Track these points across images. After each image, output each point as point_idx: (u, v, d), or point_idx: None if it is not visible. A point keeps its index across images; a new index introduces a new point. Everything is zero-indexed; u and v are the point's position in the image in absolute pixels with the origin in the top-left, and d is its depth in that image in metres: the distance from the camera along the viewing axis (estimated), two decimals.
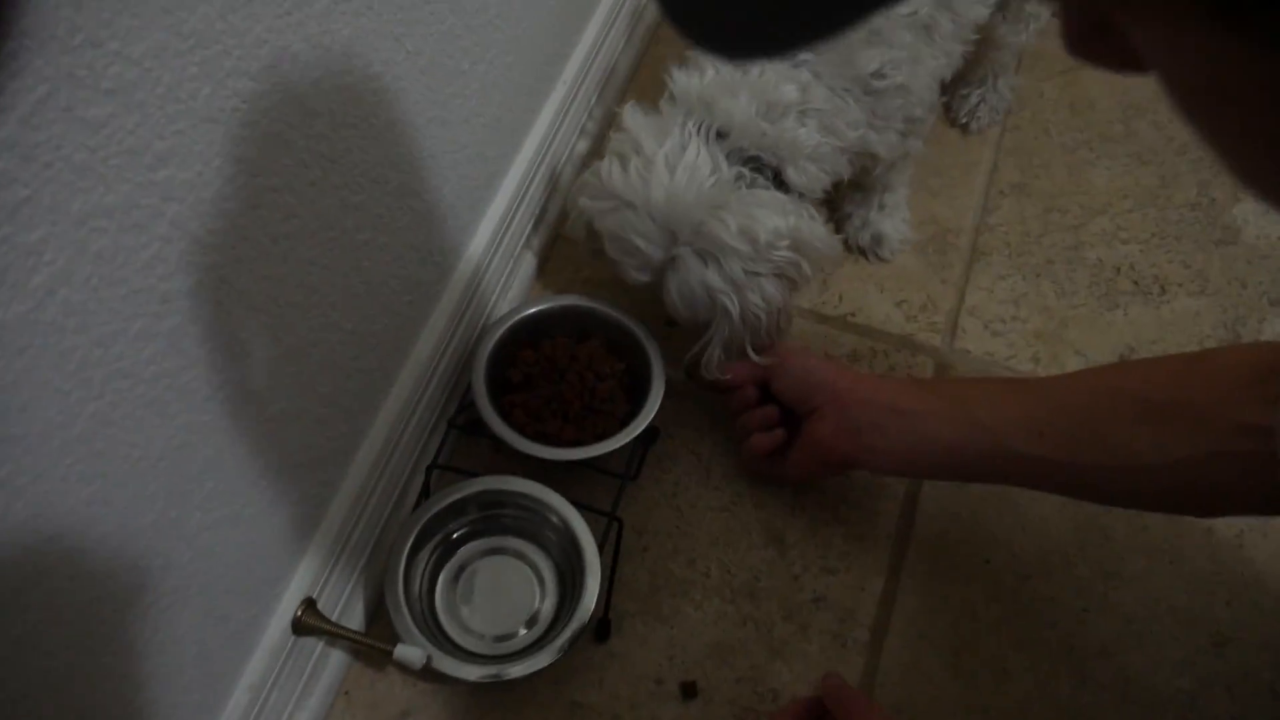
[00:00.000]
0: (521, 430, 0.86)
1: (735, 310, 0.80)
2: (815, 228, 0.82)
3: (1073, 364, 0.98)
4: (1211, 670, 0.84)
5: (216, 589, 0.65)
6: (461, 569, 0.84)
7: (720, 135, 0.80)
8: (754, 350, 0.84)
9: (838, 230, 1.03)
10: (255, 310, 0.60)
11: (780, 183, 0.83)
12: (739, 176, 0.79)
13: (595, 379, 0.90)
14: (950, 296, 1.02)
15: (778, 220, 0.79)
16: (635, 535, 0.88)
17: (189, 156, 0.51)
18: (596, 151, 1.09)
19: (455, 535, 0.84)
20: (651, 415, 0.86)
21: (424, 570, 0.82)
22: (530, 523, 0.84)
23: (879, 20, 0.79)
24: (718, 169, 0.78)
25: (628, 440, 0.85)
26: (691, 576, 0.87)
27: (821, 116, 0.81)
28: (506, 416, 0.87)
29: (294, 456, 0.70)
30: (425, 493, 0.85)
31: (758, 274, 0.79)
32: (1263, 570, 0.87)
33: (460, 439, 0.91)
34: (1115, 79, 1.16)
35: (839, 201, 1.03)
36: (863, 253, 1.03)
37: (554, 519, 0.82)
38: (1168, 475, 0.64)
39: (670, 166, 0.78)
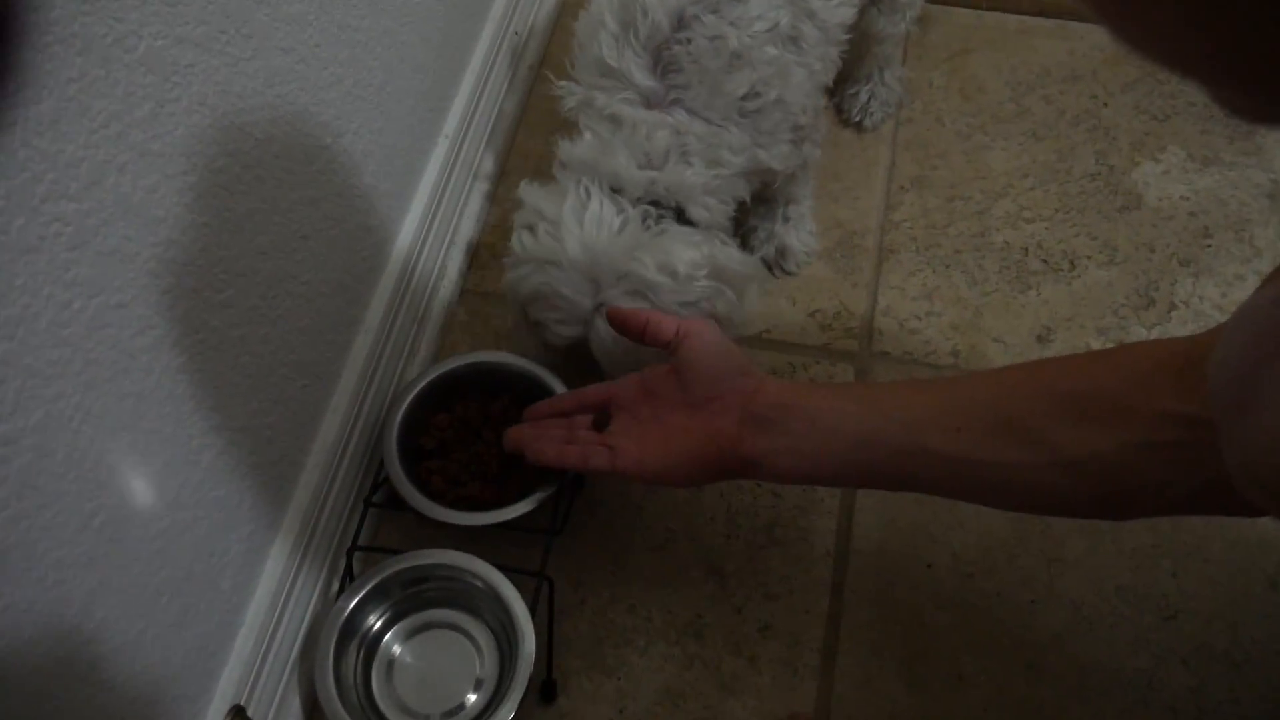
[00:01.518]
0: (441, 498, 0.84)
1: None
2: (729, 252, 0.82)
3: (992, 351, 0.97)
4: (1165, 645, 0.83)
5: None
6: (394, 651, 0.81)
7: (615, 190, 0.80)
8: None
9: (743, 245, 1.02)
10: (127, 430, 0.58)
11: (685, 220, 0.83)
12: (646, 217, 0.79)
13: None
14: (863, 300, 1.01)
15: (691, 252, 0.79)
16: (571, 589, 0.87)
17: (9, 291, 0.48)
18: (501, 217, 1.08)
19: (384, 618, 0.82)
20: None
21: (356, 659, 0.80)
22: (458, 592, 0.82)
23: (736, 42, 0.77)
24: (624, 214, 0.79)
25: (547, 495, 0.83)
26: (633, 623, 0.85)
27: (704, 151, 0.81)
28: (424, 485, 0.85)
29: (197, 566, 0.67)
30: (349, 577, 0.83)
31: (689, 305, 0.79)
32: (1203, 536, 0.87)
33: (382, 516, 0.89)
34: (1000, 58, 1.16)
35: (742, 217, 1.02)
36: (769, 267, 1.01)
37: (480, 585, 0.80)
38: (1091, 471, 0.61)
39: (579, 220, 0.78)
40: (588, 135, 0.82)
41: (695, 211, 0.82)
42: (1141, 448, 0.58)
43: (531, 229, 0.80)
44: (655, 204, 0.81)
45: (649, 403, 0.77)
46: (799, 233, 1.01)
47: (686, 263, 0.78)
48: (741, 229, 1.03)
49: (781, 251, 1.01)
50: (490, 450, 0.87)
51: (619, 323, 0.77)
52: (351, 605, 0.79)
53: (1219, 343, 0.45)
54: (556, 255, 0.78)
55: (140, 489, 0.60)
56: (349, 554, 0.83)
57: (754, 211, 1.01)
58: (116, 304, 0.56)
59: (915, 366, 0.97)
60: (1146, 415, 0.58)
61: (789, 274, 1.01)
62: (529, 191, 0.83)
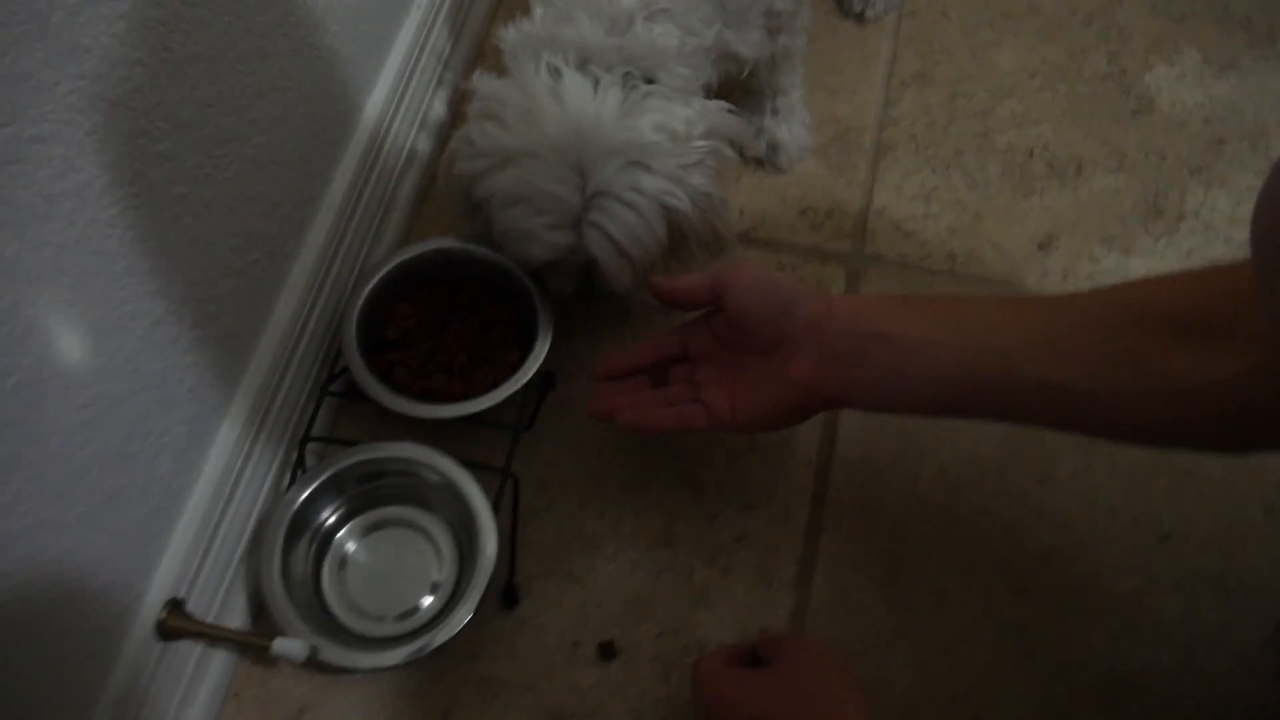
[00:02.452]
0: (405, 390, 0.79)
1: (686, 205, 0.72)
2: (719, 110, 0.76)
3: (991, 258, 0.92)
4: (1157, 568, 0.79)
5: (56, 605, 0.57)
6: (348, 549, 0.77)
7: (584, 61, 0.72)
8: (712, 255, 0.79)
9: None
10: (45, 283, 0.52)
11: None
12: (627, 81, 0.72)
13: (480, 325, 0.83)
14: (857, 199, 0.95)
15: (684, 110, 0.73)
16: (538, 490, 0.82)
17: None
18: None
19: (337, 513, 0.77)
20: (541, 359, 0.79)
21: (306, 555, 0.75)
22: (416, 488, 0.77)
23: None
24: (600, 85, 0.71)
25: (516, 388, 0.77)
26: (602, 529, 0.81)
27: (673, 13, 0.74)
28: (386, 377, 0.79)
29: (131, 445, 0.62)
30: (301, 469, 0.77)
31: (690, 168, 0.73)
32: (1200, 457, 0.83)
33: (339, 407, 0.84)
34: None
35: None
36: (759, 163, 0.95)
37: (437, 479, 0.75)
38: (1208, 399, 0.55)
39: (556, 98, 0.70)
40: (539, 10, 0.74)
41: (669, 79, 0.74)
42: (1260, 373, 0.53)
43: (496, 119, 0.72)
44: (628, 77, 0.73)
45: (727, 348, 0.72)
46: (790, 126, 0.95)
47: (682, 120, 0.71)
48: None
49: (773, 146, 0.95)
50: (457, 341, 0.82)
51: (663, 292, 0.73)
52: (302, 498, 0.74)
53: (1263, 187, 0.40)
54: (533, 145, 0.70)
55: (63, 351, 0.54)
56: (302, 444, 0.77)
57: (740, 104, 0.94)
58: (32, 138, 0.49)
59: (909, 271, 0.91)
60: (1258, 338, 0.53)
61: (780, 170, 0.95)
62: (484, 81, 0.75)
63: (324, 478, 0.74)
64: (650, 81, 0.74)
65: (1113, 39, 1.04)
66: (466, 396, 0.78)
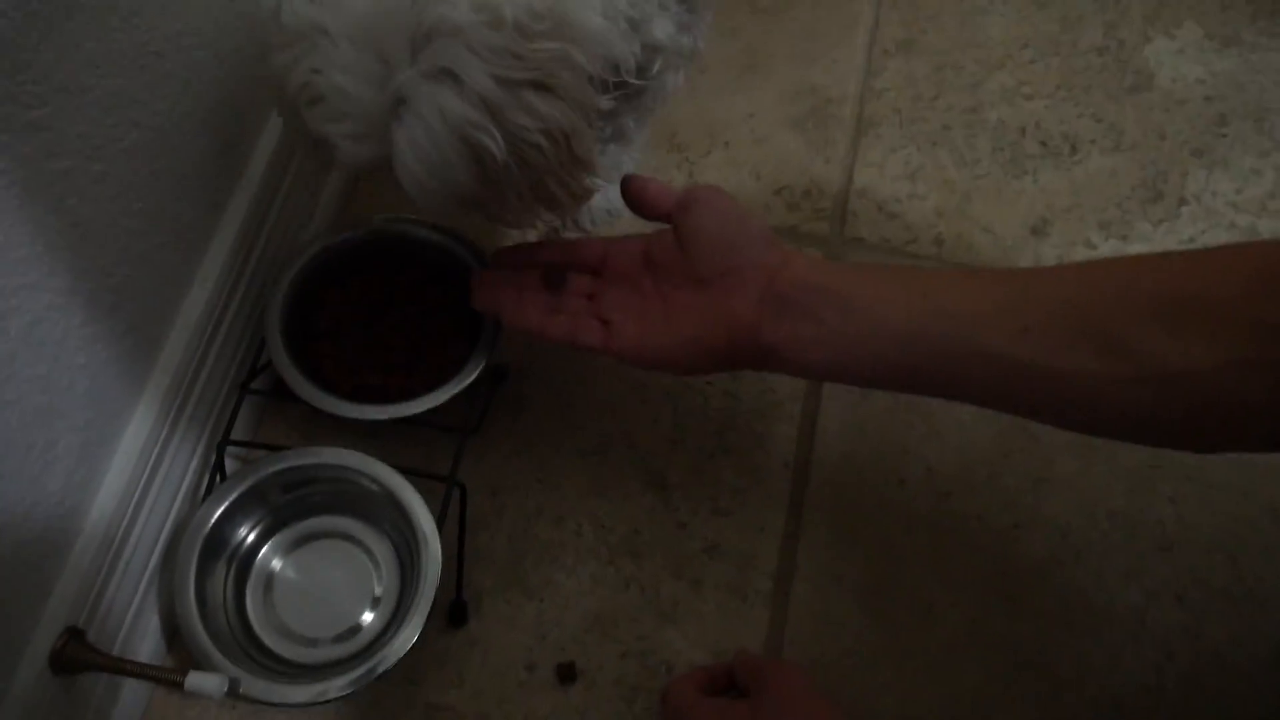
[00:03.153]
0: (335, 388, 0.70)
1: (499, 150, 0.53)
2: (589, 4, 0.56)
3: (981, 242, 0.85)
4: (1159, 578, 0.73)
5: None
6: (273, 566, 0.69)
7: None
8: (558, 217, 0.64)
9: None
10: None
11: None
12: None
13: (421, 315, 0.75)
14: (837, 178, 0.88)
15: None
16: (489, 496, 0.74)
17: None
18: None
19: (259, 526, 0.68)
20: (489, 352, 0.71)
21: (226, 575, 0.67)
22: (349, 498, 0.69)
23: None
24: None
25: (461, 387, 0.70)
26: (560, 538, 0.73)
27: None
28: (315, 373, 0.71)
29: (8, 462, 0.53)
30: (220, 477, 0.69)
31: (516, 83, 0.52)
32: (1205, 459, 0.77)
33: (263, 406, 0.75)
34: None
35: None
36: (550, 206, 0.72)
37: (374, 488, 0.67)
38: (1181, 389, 0.49)
39: None
40: None
41: None
42: (1243, 365, 0.46)
43: None
44: None
45: (652, 274, 0.64)
46: (609, 188, 0.74)
47: (519, 5, 0.52)
48: None
49: None
50: (395, 333, 0.74)
51: (630, 191, 0.64)
52: (219, 512, 0.65)
53: None
54: (334, 23, 0.53)
55: None
56: (219, 449, 0.69)
57: None
58: None
59: (893, 255, 0.84)
60: (1251, 327, 0.46)
61: (585, 231, 0.83)
62: None
63: (244, 487, 0.66)
64: None
65: (1109, 9, 0.97)
66: (406, 395, 0.70)
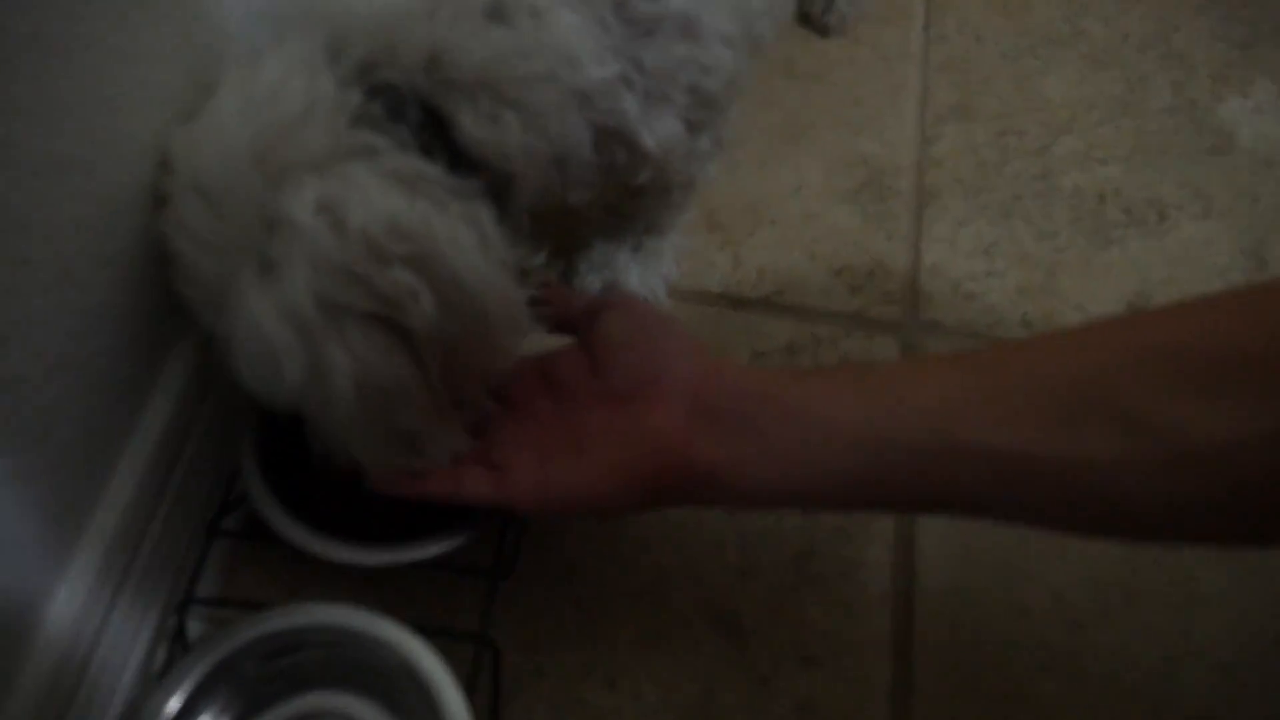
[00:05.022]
0: (327, 525, 0.56)
1: (294, 376, 0.43)
2: (467, 233, 0.44)
3: (1075, 321, 0.73)
4: None
5: None
6: None
7: (333, 55, 0.45)
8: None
9: (558, 257, 0.71)
10: None
11: (439, 140, 0.46)
12: (360, 118, 0.44)
13: None
14: (903, 256, 0.76)
15: (395, 201, 0.42)
16: (524, 656, 0.59)
17: None
18: None
19: (231, 711, 0.52)
20: None
21: None
22: (351, 666, 0.53)
23: None
24: (315, 96, 0.43)
25: (486, 522, 0.55)
26: (615, 703, 0.58)
27: (544, 25, 0.46)
28: (301, 506, 0.56)
29: None
30: (181, 646, 0.54)
31: (342, 309, 0.42)
32: None
33: (236, 551, 0.60)
34: None
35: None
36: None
37: (386, 655, 0.52)
38: (1227, 468, 0.38)
39: (235, 97, 0.44)
40: None
41: (470, 126, 0.46)
42: None
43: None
44: (393, 96, 0.45)
45: (552, 397, 0.52)
46: (647, 273, 0.71)
47: (380, 217, 0.41)
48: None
49: (613, 288, 0.71)
50: None
51: (545, 297, 0.51)
52: (179, 695, 0.50)
53: None
54: (195, 167, 0.44)
55: None
56: (180, 610, 0.54)
57: (597, 222, 0.71)
58: None
59: (978, 341, 0.72)
60: None
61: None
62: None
63: (213, 661, 0.51)
64: (438, 118, 0.46)
65: (1174, 67, 0.88)
66: (413, 532, 0.55)
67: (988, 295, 0.74)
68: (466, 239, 0.44)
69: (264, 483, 0.56)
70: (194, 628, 0.54)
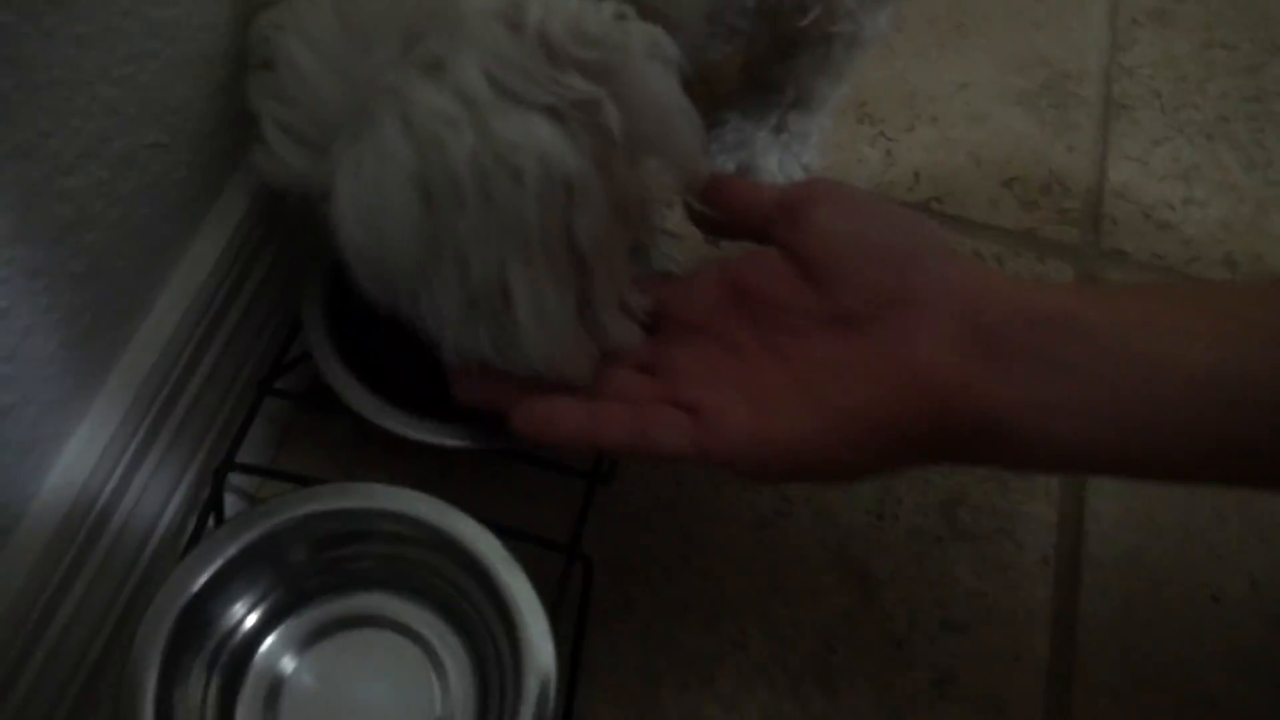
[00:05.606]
0: (400, 398, 0.46)
1: (462, 150, 0.33)
2: (656, 49, 0.36)
3: None
4: None
5: None
6: (284, 667, 0.44)
7: None
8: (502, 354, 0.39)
9: None
10: None
11: None
12: None
13: None
14: (1085, 171, 0.65)
15: (582, 5, 0.35)
16: (614, 580, 0.50)
17: None
18: None
19: (266, 605, 0.44)
20: None
21: (208, 681, 0.42)
22: (409, 567, 0.44)
23: None
24: None
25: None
26: (717, 649, 0.49)
27: None
28: (373, 371, 0.47)
29: None
30: (217, 518, 0.45)
31: (515, 96, 0.34)
32: None
33: (290, 420, 0.51)
34: None
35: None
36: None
37: (458, 561, 0.43)
38: None
39: None
40: None
41: None
42: None
43: None
44: None
45: (749, 319, 0.39)
46: (786, 157, 0.61)
47: (560, 18, 0.34)
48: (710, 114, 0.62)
49: (747, 173, 0.61)
50: None
51: (709, 194, 0.40)
52: (206, 575, 0.40)
53: None
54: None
55: None
56: (218, 475, 0.45)
57: (730, 100, 0.61)
58: None
59: (1169, 276, 0.61)
60: None
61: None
62: None
63: (249, 539, 0.41)
64: None
65: None
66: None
67: (1185, 226, 0.63)
68: (656, 54, 0.36)
69: (329, 340, 0.46)
70: (233, 503, 0.46)
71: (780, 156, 0.60)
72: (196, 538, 0.44)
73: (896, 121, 0.66)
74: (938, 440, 0.34)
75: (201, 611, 0.40)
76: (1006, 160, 0.65)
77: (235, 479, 0.46)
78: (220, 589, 0.41)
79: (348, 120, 0.36)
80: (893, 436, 0.35)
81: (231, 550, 0.41)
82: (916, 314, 0.35)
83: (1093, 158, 0.65)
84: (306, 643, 0.44)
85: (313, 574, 0.44)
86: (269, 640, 0.44)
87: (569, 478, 0.46)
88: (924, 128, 0.66)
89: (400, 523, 0.43)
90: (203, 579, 0.40)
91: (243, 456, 0.46)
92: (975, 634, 0.50)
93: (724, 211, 0.40)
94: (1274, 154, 0.66)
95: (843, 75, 0.57)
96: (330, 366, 0.46)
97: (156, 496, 0.43)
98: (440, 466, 0.47)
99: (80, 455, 0.39)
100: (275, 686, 0.43)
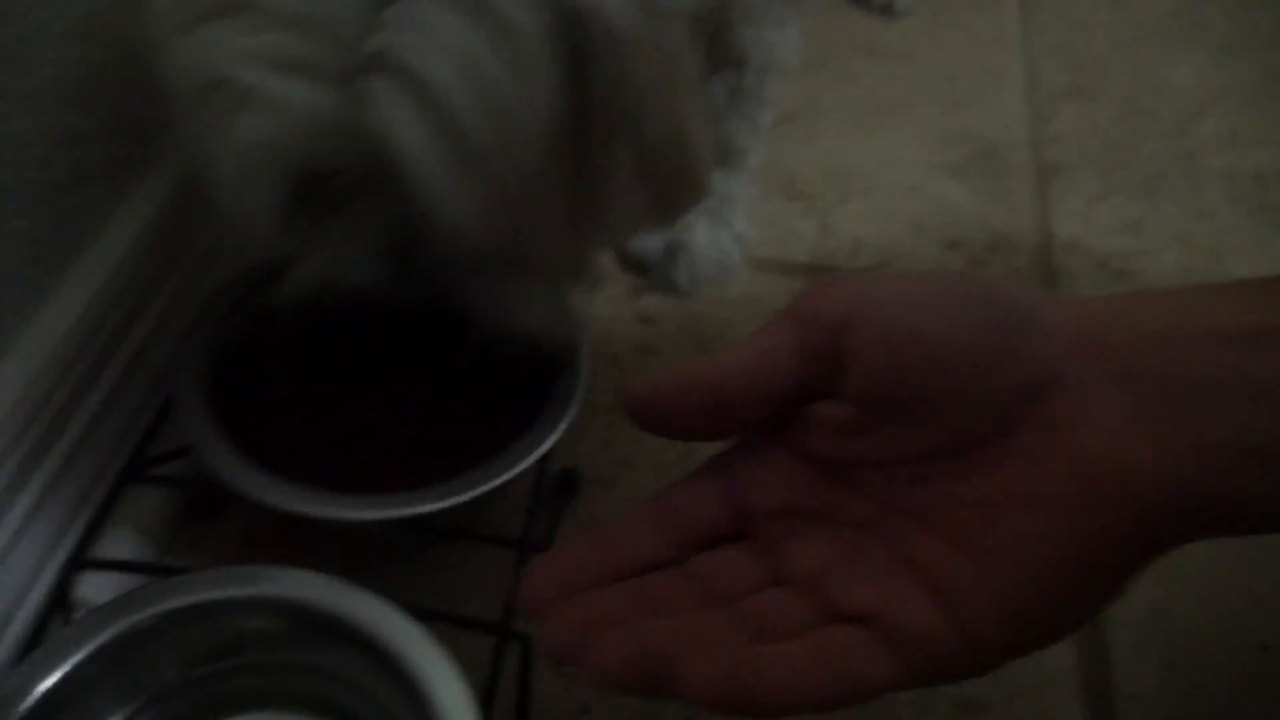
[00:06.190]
0: (301, 472, 0.39)
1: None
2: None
3: None
4: None
5: None
6: None
7: None
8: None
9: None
10: None
11: None
12: None
13: (441, 381, 0.45)
14: (1030, 229, 0.62)
15: None
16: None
17: None
18: None
19: None
20: (556, 436, 0.41)
21: None
22: (309, 674, 0.36)
23: None
24: None
25: (512, 474, 0.39)
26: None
27: None
28: (265, 447, 0.40)
29: None
30: (63, 620, 0.37)
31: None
32: None
33: (173, 508, 0.44)
34: None
35: None
36: (643, 271, 0.58)
37: (372, 650, 0.35)
38: None
39: None
40: None
41: None
42: None
43: None
44: None
45: (852, 487, 0.28)
46: (716, 229, 0.57)
47: None
48: None
49: (675, 251, 0.57)
50: (398, 405, 0.44)
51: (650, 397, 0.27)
52: (47, 683, 0.32)
53: None
54: None
55: None
56: (67, 569, 0.37)
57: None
58: None
59: None
60: None
61: (677, 293, 0.57)
62: None
63: (101, 640, 0.33)
64: None
65: None
66: (413, 484, 0.39)
67: (1143, 274, 0.60)
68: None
69: (213, 422, 0.40)
70: (83, 600, 0.37)
71: (710, 227, 0.56)
72: (35, 641, 0.35)
73: (828, 196, 0.63)
74: (1170, 529, 0.24)
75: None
76: (946, 226, 0.62)
77: (84, 578, 0.38)
78: (66, 702, 0.32)
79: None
80: (1114, 551, 0.24)
81: (79, 654, 0.33)
82: (1054, 397, 0.25)
83: (1035, 218, 0.63)
84: None
85: (186, 691, 0.36)
86: None
87: (500, 547, 0.39)
88: (857, 200, 0.63)
89: (287, 612, 0.35)
90: (42, 687, 0.31)
91: (114, 552, 0.38)
92: (999, 711, 0.42)
93: (714, 414, 0.27)
94: (1217, 203, 0.65)
95: (757, 120, 0.54)
96: (210, 450, 0.39)
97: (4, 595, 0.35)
98: (352, 545, 0.40)
99: None
100: None
